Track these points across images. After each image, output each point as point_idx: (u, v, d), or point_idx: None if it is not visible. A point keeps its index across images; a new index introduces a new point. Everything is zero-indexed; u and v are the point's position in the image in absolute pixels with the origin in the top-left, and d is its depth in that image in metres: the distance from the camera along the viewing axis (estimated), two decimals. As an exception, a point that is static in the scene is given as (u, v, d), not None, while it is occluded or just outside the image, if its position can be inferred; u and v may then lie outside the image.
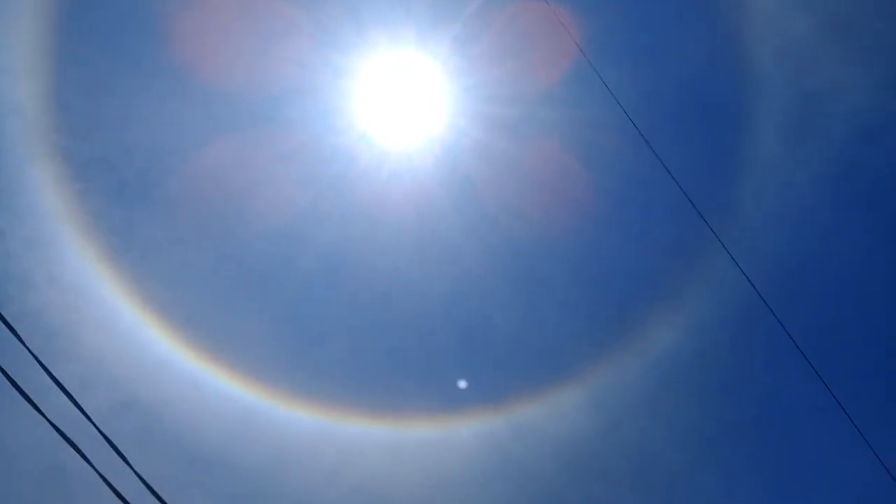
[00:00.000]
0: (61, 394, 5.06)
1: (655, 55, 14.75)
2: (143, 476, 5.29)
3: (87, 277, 12.82)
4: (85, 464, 5.11)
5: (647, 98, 14.10)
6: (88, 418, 5.23)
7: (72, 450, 5.09)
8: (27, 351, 5.09)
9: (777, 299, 14.31)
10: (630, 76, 13.81)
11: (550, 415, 14.32)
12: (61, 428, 5.09)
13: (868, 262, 15.36)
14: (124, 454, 5.21)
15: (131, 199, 13.62)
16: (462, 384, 14.32)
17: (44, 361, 5.10)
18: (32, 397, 5.08)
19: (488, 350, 15.12)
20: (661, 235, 15.05)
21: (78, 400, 5.17)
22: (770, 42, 14.09)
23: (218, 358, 13.35)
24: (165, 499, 5.35)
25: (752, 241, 14.34)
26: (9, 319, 5.07)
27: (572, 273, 15.25)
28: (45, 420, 5.04)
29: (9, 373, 4.97)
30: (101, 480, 5.16)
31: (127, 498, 5.21)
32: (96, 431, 5.23)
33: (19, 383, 5.02)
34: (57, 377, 5.10)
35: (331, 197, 14.59)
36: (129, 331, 13.04)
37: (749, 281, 9.50)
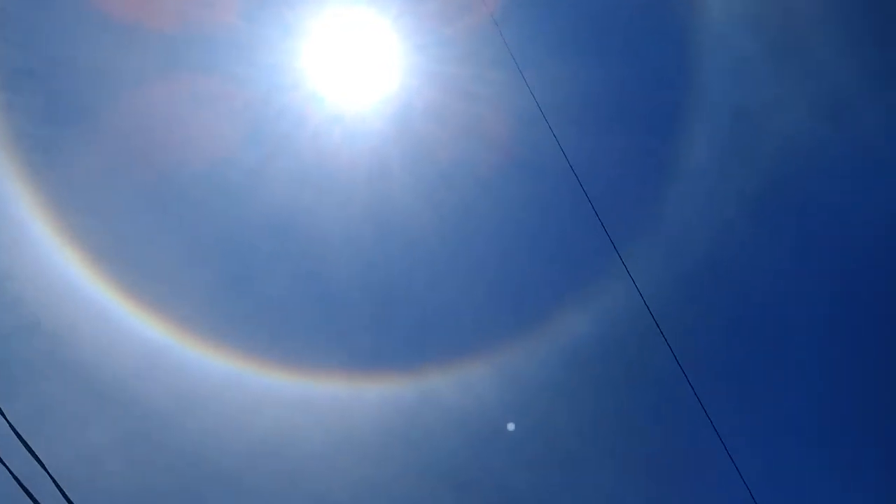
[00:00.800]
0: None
1: (594, 55, 15.01)
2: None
3: (1, 193, 12.38)
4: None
5: (578, 95, 14.41)
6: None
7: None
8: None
9: (683, 302, 14.99)
10: (564, 73, 14.07)
11: (459, 387, 14.61)
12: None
13: (781, 276, 16.03)
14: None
15: (59, 118, 13.14)
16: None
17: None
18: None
19: (409, 315, 15.28)
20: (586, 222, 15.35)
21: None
22: (714, 56, 14.52)
23: (132, 291, 13.13)
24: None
25: (670, 245, 14.86)
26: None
27: (510, 245, 15.44)
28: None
29: None
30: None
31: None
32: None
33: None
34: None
35: (276, 155, 14.42)
36: (41, 253, 12.66)
37: (637, 289, 9.82)
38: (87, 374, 12.61)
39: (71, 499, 4.87)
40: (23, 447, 5.05)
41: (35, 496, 4.83)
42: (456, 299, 15.33)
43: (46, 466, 5.01)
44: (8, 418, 5.09)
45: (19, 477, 4.85)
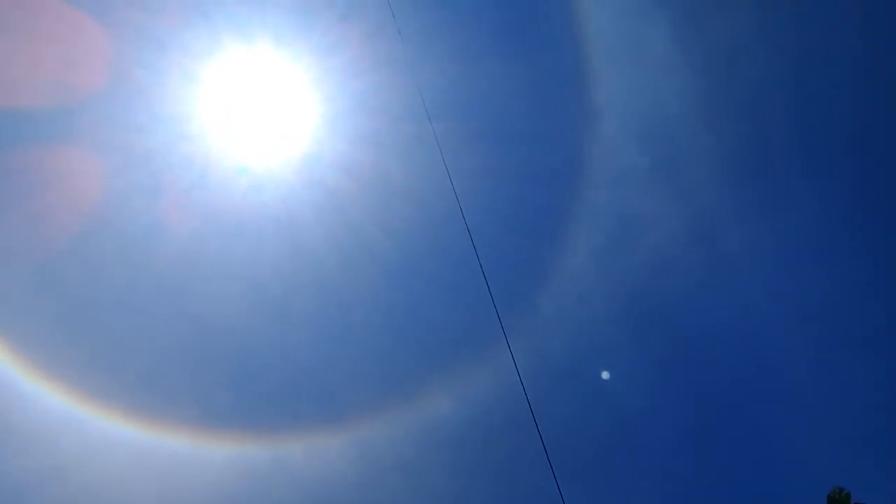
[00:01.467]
0: None
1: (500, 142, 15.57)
2: None
3: None
4: None
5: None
6: None
7: None
8: None
9: (549, 391, 15.34)
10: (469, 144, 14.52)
11: (313, 455, 14.41)
12: None
13: (641, 377, 16.62)
14: None
15: None
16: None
17: None
18: None
19: (274, 376, 15.02)
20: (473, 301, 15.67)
21: None
22: (605, 167, 15.35)
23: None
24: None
25: (542, 338, 15.29)
26: None
27: (392, 313, 15.47)
28: None
29: None
30: None
31: None
32: None
33: None
34: None
35: (182, 206, 14.18)
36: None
37: (518, 373, 10.08)
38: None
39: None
40: None
41: None
42: (324, 365, 15.22)
43: None
44: None
45: None
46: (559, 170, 15.55)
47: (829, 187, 15.60)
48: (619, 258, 15.66)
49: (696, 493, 15.39)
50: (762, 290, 15.88)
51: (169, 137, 14.05)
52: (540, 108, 15.71)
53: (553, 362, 15.49)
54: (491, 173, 15.16)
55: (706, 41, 15.40)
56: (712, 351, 16.21)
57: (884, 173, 15.29)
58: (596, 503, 15.24)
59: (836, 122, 15.30)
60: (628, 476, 15.93)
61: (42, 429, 12.93)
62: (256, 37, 14.10)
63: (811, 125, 15.43)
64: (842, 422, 15.10)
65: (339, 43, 14.22)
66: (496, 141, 15.58)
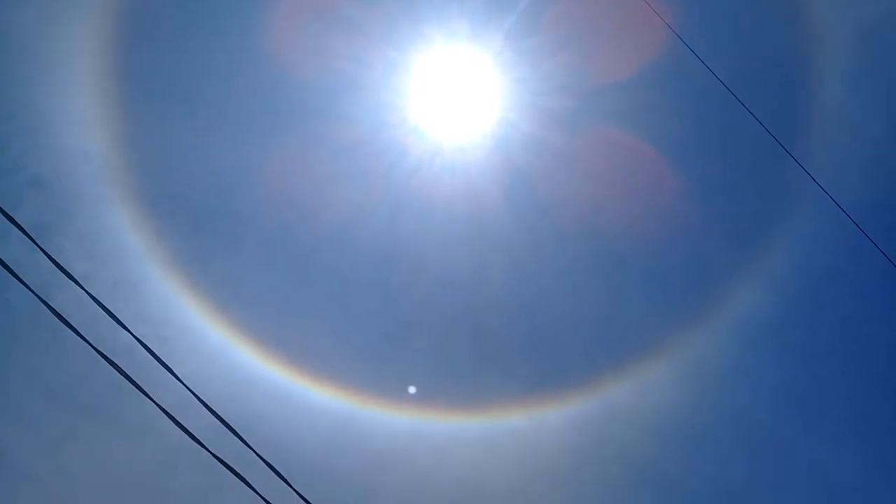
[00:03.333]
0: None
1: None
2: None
3: (172, 309, 13.18)
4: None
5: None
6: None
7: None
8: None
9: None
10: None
11: (638, 391, 14.83)
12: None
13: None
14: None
15: (203, 228, 14.06)
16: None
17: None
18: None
19: (559, 335, 15.49)
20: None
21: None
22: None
23: (304, 369, 13.56)
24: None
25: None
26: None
27: (624, 266, 15.56)
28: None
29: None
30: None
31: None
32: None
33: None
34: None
35: (383, 192, 14.67)
36: (218, 354, 13.37)
37: None
38: (285, 457, 12.89)
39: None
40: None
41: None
42: (594, 313, 15.60)
43: None
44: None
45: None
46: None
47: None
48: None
49: None
50: None
51: (373, 126, 14.43)
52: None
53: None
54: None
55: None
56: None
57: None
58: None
59: None
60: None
61: (396, 447, 14.05)
62: (450, 22, 14.27)
63: None
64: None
65: (529, 26, 14.23)
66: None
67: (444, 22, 14.20)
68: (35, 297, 4.99)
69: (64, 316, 5.08)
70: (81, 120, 12.89)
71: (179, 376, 5.29)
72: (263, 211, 14.30)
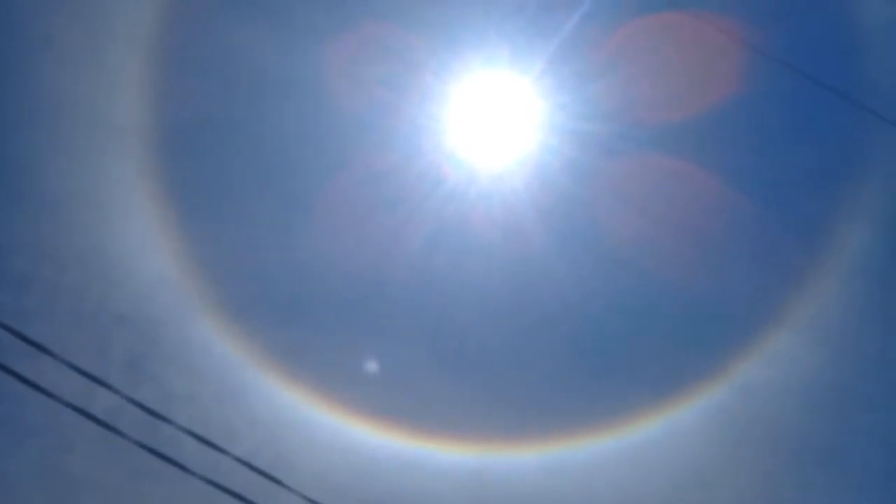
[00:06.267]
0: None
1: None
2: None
3: (282, 407, 13.20)
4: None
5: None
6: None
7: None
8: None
9: None
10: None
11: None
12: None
13: None
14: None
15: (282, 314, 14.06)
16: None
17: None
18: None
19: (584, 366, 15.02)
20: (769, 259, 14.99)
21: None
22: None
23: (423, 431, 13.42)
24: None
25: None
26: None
27: (674, 300, 15.01)
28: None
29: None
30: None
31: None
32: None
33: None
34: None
35: (420, 220, 14.46)
36: (347, 440, 13.33)
37: None
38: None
39: None
40: None
41: None
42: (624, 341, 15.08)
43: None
44: None
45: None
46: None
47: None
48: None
49: None
50: None
51: (409, 152, 14.30)
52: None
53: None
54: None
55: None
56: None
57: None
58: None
59: None
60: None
61: (466, 487, 13.48)
62: (489, 48, 14.11)
63: None
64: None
65: (569, 51, 14.01)
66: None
67: (483, 45, 14.05)
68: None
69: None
70: (145, 250, 13.15)
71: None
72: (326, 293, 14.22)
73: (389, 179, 14.29)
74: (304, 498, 5.40)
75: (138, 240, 12.97)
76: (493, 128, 14.86)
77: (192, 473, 5.05)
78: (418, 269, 14.43)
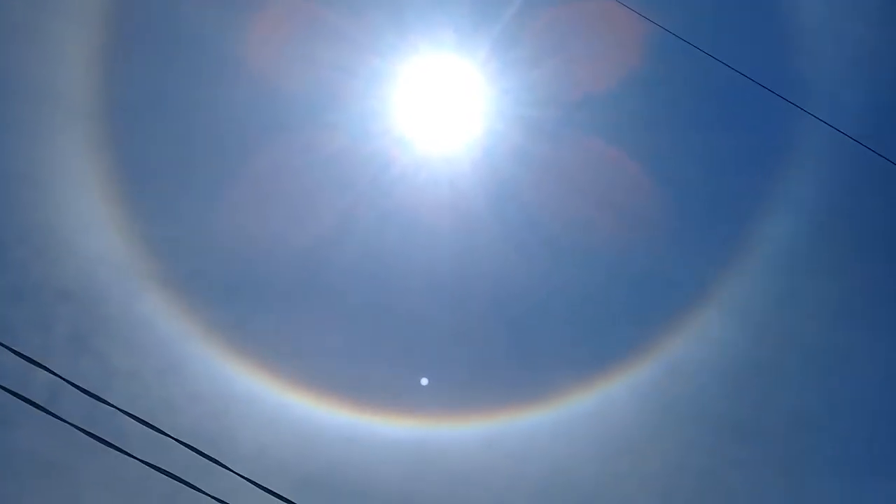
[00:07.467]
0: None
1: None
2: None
3: (223, 381, 13.28)
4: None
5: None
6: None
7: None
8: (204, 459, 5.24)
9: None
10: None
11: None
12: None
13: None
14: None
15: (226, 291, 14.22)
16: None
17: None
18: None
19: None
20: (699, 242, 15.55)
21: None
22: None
23: (364, 406, 13.68)
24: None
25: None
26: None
27: (611, 280, 15.53)
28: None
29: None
30: None
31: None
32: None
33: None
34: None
35: (368, 202, 14.68)
36: (289, 414, 13.49)
37: None
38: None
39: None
40: None
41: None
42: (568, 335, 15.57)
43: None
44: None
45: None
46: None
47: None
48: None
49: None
50: None
51: (357, 134, 14.53)
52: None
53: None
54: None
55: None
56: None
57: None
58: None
59: None
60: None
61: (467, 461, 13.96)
62: (436, 32, 14.29)
63: None
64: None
65: (515, 36, 14.24)
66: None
67: (430, 31, 14.35)
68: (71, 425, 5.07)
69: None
70: (89, 226, 13.14)
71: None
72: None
73: (336, 162, 14.51)
74: (241, 476, 5.64)
75: (82, 217, 12.97)
76: (441, 112, 15.13)
77: (130, 455, 5.29)
78: (364, 249, 14.69)
